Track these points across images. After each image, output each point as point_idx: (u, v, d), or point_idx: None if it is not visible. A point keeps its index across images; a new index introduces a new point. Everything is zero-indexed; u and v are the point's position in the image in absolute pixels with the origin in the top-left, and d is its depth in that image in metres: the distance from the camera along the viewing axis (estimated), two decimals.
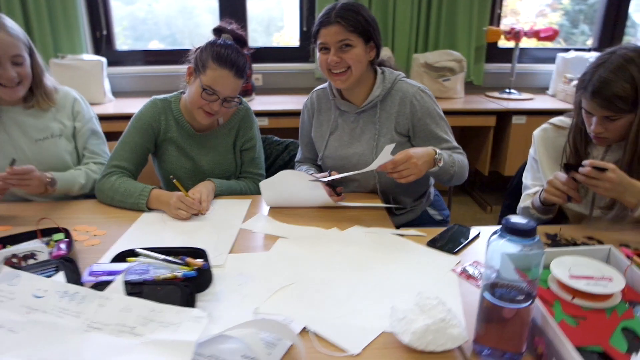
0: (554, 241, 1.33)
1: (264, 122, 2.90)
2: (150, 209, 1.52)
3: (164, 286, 1.02)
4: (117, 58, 3.38)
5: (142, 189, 1.54)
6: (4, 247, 1.22)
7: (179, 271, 1.07)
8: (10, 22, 1.52)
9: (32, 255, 1.15)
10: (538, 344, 0.89)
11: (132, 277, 1.04)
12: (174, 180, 1.53)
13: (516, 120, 3.05)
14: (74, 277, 1.07)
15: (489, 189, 3.78)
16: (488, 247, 0.86)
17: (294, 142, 1.97)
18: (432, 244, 1.30)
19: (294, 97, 3.23)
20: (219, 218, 1.47)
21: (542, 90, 3.51)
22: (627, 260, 1.08)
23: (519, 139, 3.07)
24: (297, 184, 1.48)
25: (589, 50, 3.47)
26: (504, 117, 3.08)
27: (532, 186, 1.59)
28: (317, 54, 1.59)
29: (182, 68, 1.63)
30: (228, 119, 1.72)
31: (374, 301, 1.06)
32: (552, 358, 0.84)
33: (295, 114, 2.80)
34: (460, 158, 1.58)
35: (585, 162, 1.29)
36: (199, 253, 1.16)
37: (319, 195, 1.49)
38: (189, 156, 1.71)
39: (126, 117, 1.79)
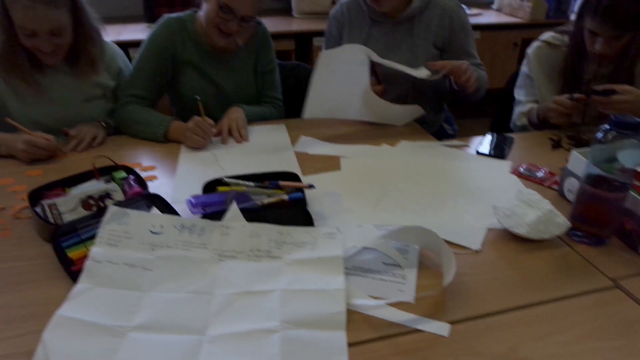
0: (577, 141, 1.48)
1: None
2: (167, 140, 1.46)
3: (280, 209, 1.02)
4: None
5: (162, 119, 1.47)
6: (63, 190, 1.13)
7: (281, 195, 1.07)
8: None
9: (107, 195, 1.08)
10: (627, 224, 1.03)
11: (240, 205, 1.02)
12: (198, 100, 1.42)
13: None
14: (169, 212, 1.03)
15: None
16: (592, 146, 0.96)
17: (301, 65, 1.92)
18: (481, 151, 1.39)
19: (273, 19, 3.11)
20: (266, 144, 1.45)
21: (486, 5, 3.65)
22: None
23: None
24: (348, 70, 1.44)
25: None
26: None
27: (526, 102, 1.69)
28: None
29: None
30: (247, 40, 1.63)
31: (463, 204, 1.14)
32: None
33: (283, 36, 2.74)
34: (483, 74, 1.66)
35: (598, 87, 1.39)
36: (286, 176, 1.15)
37: (363, 85, 1.47)
38: (211, 79, 1.61)
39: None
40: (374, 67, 1.47)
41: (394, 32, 1.66)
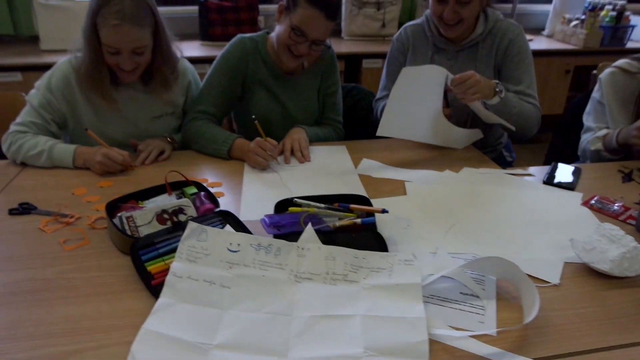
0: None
1: None
2: (230, 157, 1.49)
3: (352, 233, 1.02)
4: None
5: (227, 136, 1.50)
6: (137, 203, 1.15)
7: (353, 218, 1.06)
8: (141, 5, 1.32)
9: (180, 210, 1.10)
10: None
11: (313, 227, 1.02)
12: (255, 122, 1.44)
13: None
14: (241, 230, 1.04)
15: None
16: None
17: (357, 87, 1.93)
18: (549, 181, 1.36)
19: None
20: (328, 166, 1.45)
21: (537, 31, 3.61)
22: None
23: None
24: (425, 89, 1.44)
25: None
26: None
27: (597, 128, 1.65)
28: (430, 0, 1.55)
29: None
30: (314, 62, 1.66)
31: (536, 235, 1.11)
32: None
33: None
34: (528, 108, 1.57)
35: None
36: (356, 199, 1.15)
37: (436, 107, 1.47)
38: (278, 99, 1.64)
39: None
40: (447, 90, 1.46)
41: (457, 57, 1.65)
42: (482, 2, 1.55)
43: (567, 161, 1.62)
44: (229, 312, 0.84)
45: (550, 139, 2.16)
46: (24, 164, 1.45)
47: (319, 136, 1.65)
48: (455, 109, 1.65)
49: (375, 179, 1.38)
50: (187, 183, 1.22)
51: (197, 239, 0.95)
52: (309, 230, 0.98)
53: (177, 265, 0.90)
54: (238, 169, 1.44)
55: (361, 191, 1.28)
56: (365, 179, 1.37)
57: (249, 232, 1.03)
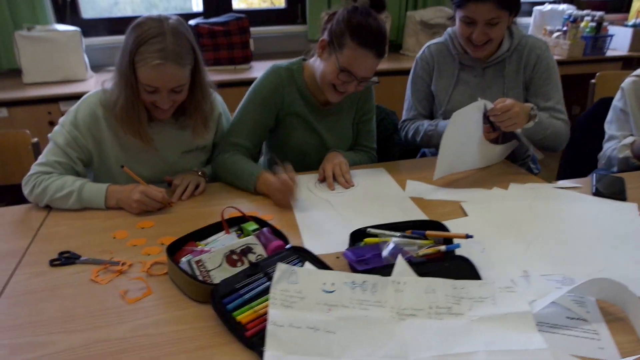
0: None
1: None
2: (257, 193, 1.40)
3: (443, 261, 0.97)
4: (84, 27, 2.97)
5: (251, 173, 1.40)
6: (195, 243, 1.07)
7: (438, 246, 1.02)
8: (183, 43, 1.26)
9: (248, 249, 1.03)
10: None
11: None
12: (276, 161, 1.36)
13: None
14: (321, 266, 0.97)
15: None
16: None
17: (380, 107, 1.90)
18: (599, 193, 1.36)
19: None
20: (374, 189, 1.41)
21: None
22: None
23: None
24: (470, 124, 1.43)
25: (561, 2, 3.70)
26: None
27: (622, 137, 1.67)
28: (457, 22, 1.54)
29: None
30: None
31: (612, 251, 1.09)
32: None
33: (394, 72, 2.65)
34: (558, 124, 1.59)
35: None
36: (429, 225, 1.11)
37: (479, 134, 1.47)
38: (315, 131, 1.57)
39: None
40: (487, 115, 1.44)
41: (483, 75, 1.65)
42: (509, 20, 1.55)
43: (582, 170, 1.63)
44: None
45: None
46: (48, 207, 1.34)
47: (354, 161, 1.60)
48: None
49: (427, 201, 1.34)
50: (245, 219, 1.15)
51: (288, 281, 0.88)
52: (401, 263, 0.93)
53: (274, 312, 0.83)
54: None
55: (421, 215, 1.24)
56: (417, 202, 1.33)
57: (329, 269, 0.96)
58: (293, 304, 0.85)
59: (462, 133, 1.43)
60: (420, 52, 1.76)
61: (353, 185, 1.43)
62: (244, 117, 1.51)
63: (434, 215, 1.25)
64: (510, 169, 1.58)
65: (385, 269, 0.92)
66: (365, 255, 0.97)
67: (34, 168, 1.33)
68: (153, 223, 1.25)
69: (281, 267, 0.89)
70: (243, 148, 1.50)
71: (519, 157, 1.74)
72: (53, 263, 1.09)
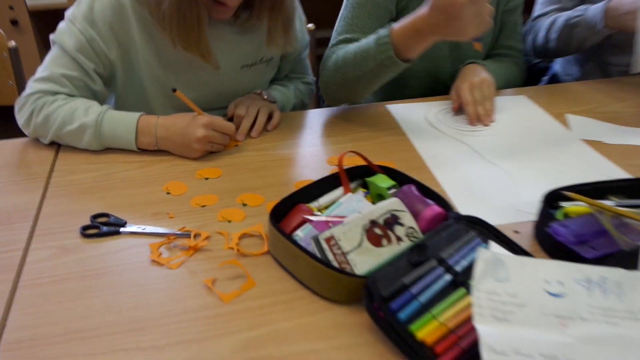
0: None
1: None
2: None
3: None
4: None
5: (377, 37, 0.93)
6: (306, 207, 0.73)
7: None
8: None
9: (394, 219, 0.69)
10: None
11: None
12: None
13: None
14: (508, 248, 0.65)
15: None
16: None
17: None
18: None
19: None
20: (524, 127, 1.03)
21: None
22: None
23: None
24: None
25: None
26: None
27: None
28: None
29: None
30: None
31: None
32: None
33: None
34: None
35: None
36: None
37: None
38: None
39: None
40: None
41: None
42: None
43: None
44: None
45: None
46: (54, 143, 0.95)
47: (503, 78, 1.17)
48: None
49: (611, 146, 0.95)
50: (372, 170, 0.79)
51: (496, 279, 0.56)
52: None
53: (486, 330, 0.52)
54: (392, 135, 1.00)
55: (615, 170, 0.88)
56: (596, 148, 0.95)
57: (529, 254, 0.64)
58: (508, 314, 0.54)
59: None
60: None
61: (493, 121, 1.05)
62: (360, 5, 1.06)
63: (633, 168, 0.89)
64: None
65: (622, 258, 0.61)
66: (582, 232, 0.65)
67: (32, 86, 0.92)
68: (221, 171, 0.89)
69: (484, 257, 0.57)
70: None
71: None
72: (86, 232, 0.73)
